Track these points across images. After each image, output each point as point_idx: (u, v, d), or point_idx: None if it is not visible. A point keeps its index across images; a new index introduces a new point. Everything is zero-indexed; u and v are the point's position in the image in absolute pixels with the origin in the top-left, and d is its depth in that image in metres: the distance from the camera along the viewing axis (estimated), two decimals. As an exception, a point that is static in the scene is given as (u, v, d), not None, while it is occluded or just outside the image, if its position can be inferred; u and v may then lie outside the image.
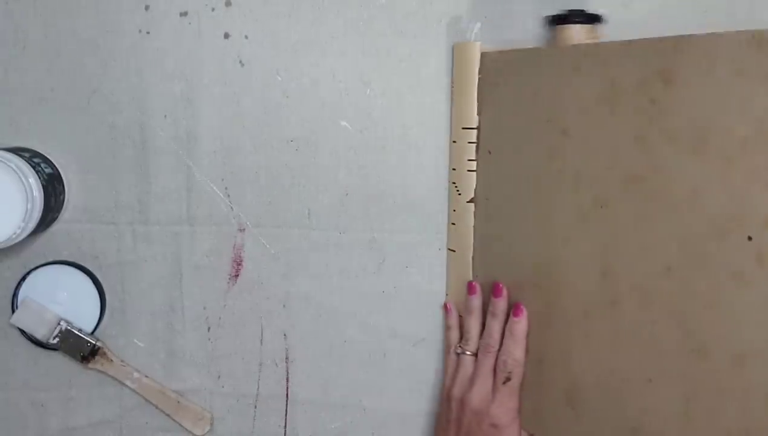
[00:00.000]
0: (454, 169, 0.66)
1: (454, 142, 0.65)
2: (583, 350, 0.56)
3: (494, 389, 0.61)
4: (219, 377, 0.69)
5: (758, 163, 0.45)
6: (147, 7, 0.66)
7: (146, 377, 0.68)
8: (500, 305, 0.62)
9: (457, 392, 0.63)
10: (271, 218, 0.68)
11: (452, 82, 0.66)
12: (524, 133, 0.60)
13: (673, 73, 0.49)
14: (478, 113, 0.64)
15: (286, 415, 0.69)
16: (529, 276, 0.60)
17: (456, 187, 0.65)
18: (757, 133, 0.45)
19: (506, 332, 0.62)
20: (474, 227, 0.65)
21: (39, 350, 0.67)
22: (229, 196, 0.68)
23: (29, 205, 0.59)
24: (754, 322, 0.46)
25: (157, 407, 0.68)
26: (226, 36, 0.66)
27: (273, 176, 0.67)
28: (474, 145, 0.64)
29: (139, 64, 0.66)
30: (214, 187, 0.67)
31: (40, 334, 0.66)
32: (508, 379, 0.61)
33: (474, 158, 0.64)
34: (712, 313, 0.48)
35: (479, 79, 0.64)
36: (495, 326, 0.62)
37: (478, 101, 0.64)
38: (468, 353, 0.64)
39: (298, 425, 0.69)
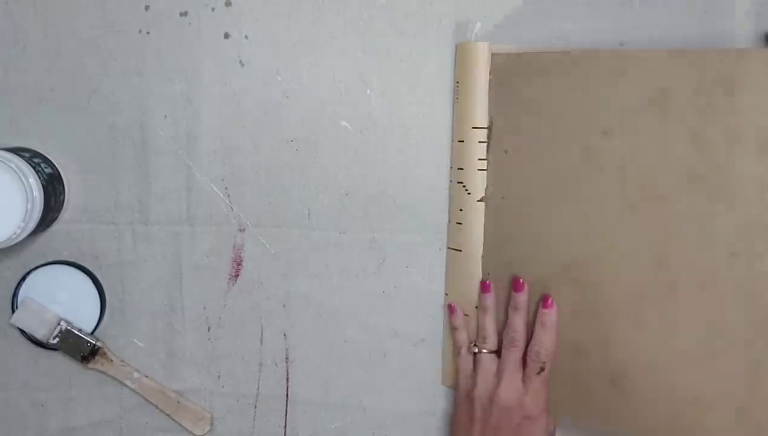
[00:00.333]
0: (461, 168, 0.66)
1: (461, 141, 0.65)
2: (633, 334, 0.59)
3: (525, 380, 0.62)
4: (219, 377, 0.69)
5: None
6: (147, 7, 0.66)
7: (146, 377, 0.68)
8: (522, 299, 0.63)
9: (482, 391, 0.63)
10: (271, 218, 0.68)
11: (456, 82, 0.66)
12: (553, 133, 0.62)
13: (735, 83, 0.54)
14: (491, 113, 0.64)
15: (286, 415, 0.69)
16: (561, 270, 0.62)
17: (464, 186, 0.65)
18: None
19: (537, 324, 0.63)
20: (484, 226, 0.65)
21: (39, 350, 0.67)
22: (229, 196, 0.68)
23: (29, 206, 0.59)
24: None
25: (157, 407, 0.68)
26: (226, 36, 0.66)
27: (273, 176, 0.67)
28: (484, 144, 0.64)
29: (139, 64, 0.66)
30: (214, 187, 0.67)
31: (40, 334, 0.66)
32: (542, 369, 0.62)
33: (484, 157, 0.65)
34: None
35: (491, 79, 0.64)
36: (519, 320, 0.63)
37: (490, 101, 0.64)
38: (485, 350, 0.64)
39: (298, 425, 0.69)
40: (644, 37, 0.67)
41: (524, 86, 0.63)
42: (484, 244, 0.65)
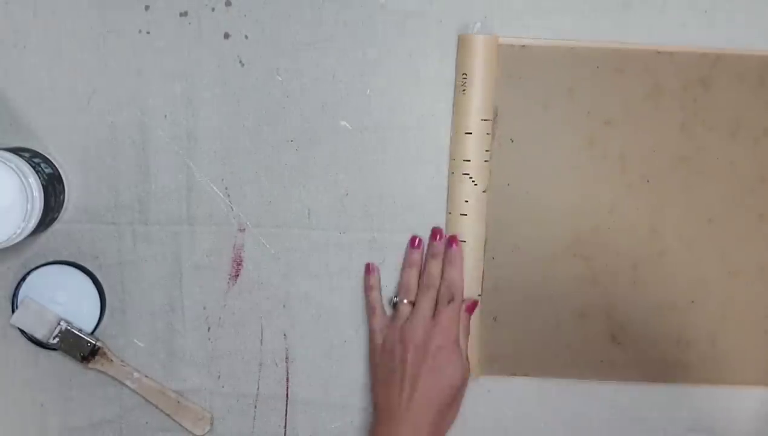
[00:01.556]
0: (467, 160, 0.66)
1: (469, 133, 0.66)
2: (630, 295, 0.68)
3: (436, 315, 0.65)
4: (219, 377, 0.69)
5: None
6: (147, 7, 0.66)
7: (146, 377, 0.68)
8: (439, 247, 0.67)
9: (395, 335, 0.65)
10: (271, 217, 0.68)
11: (464, 74, 0.66)
12: (559, 123, 0.67)
13: (711, 80, 0.67)
14: (496, 103, 0.66)
15: (286, 415, 0.69)
16: (565, 247, 0.68)
17: (471, 178, 0.66)
18: None
19: (445, 263, 0.66)
20: (488, 214, 0.67)
21: (39, 350, 0.67)
22: (229, 196, 0.68)
23: (29, 206, 0.59)
24: None
25: (157, 407, 0.68)
26: (226, 36, 0.66)
27: (273, 176, 0.67)
28: (490, 136, 0.66)
29: (139, 64, 0.66)
30: (214, 187, 0.67)
31: (40, 334, 0.66)
32: (451, 299, 0.65)
33: (489, 149, 0.66)
34: (745, 243, 0.68)
35: (499, 71, 0.66)
36: (435, 266, 0.67)
37: (496, 93, 0.66)
38: (406, 301, 0.66)
39: (298, 425, 0.69)
40: (644, 36, 0.67)
41: (531, 78, 0.67)
42: (488, 231, 0.68)
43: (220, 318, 0.69)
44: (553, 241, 0.68)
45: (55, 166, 0.65)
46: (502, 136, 0.67)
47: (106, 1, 0.66)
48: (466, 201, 0.66)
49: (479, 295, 0.68)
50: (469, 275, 0.67)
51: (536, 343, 0.69)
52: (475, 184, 0.66)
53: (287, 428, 0.69)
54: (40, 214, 0.60)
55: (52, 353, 0.67)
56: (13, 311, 0.66)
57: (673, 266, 0.68)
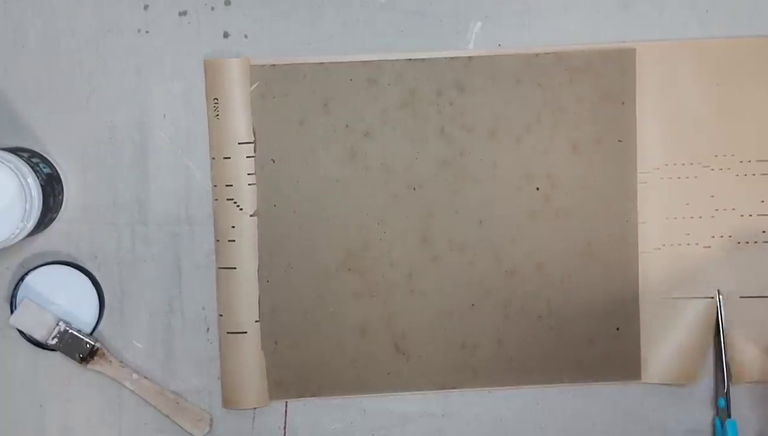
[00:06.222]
0: (230, 185, 0.66)
1: (228, 158, 0.66)
2: (409, 304, 0.68)
3: None
4: (218, 377, 0.69)
5: (538, 140, 0.68)
6: (146, 7, 0.66)
7: (145, 378, 0.68)
8: None
9: None
10: (271, 218, 0.68)
11: (215, 99, 0.65)
12: (318, 139, 0.67)
13: (466, 83, 0.67)
14: (254, 125, 0.66)
15: (286, 415, 0.69)
16: (339, 263, 0.68)
17: (235, 203, 0.66)
18: (536, 121, 0.67)
19: None
20: (259, 238, 0.67)
21: (38, 350, 0.67)
22: (228, 196, 0.67)
23: (28, 206, 0.59)
24: (546, 240, 0.68)
25: (156, 408, 0.68)
26: (226, 35, 0.66)
27: (273, 176, 0.67)
28: (252, 159, 0.66)
29: (138, 63, 0.66)
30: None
31: (39, 334, 0.66)
32: None
33: (253, 172, 0.66)
34: (517, 242, 0.68)
35: (252, 92, 0.66)
36: None
37: (252, 114, 0.66)
38: None
39: (298, 425, 0.69)
40: (645, 36, 0.67)
41: (285, 96, 0.66)
42: (260, 255, 0.67)
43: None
44: (325, 258, 0.67)
45: (53, 166, 0.65)
46: (263, 158, 0.66)
47: (106, 0, 0.65)
48: (233, 227, 0.66)
49: (256, 321, 0.67)
50: (245, 301, 0.67)
51: (320, 362, 0.68)
52: (241, 209, 0.66)
53: (287, 428, 0.69)
54: (38, 215, 0.60)
55: (51, 353, 0.67)
56: (11, 312, 0.66)
57: (448, 270, 0.68)
